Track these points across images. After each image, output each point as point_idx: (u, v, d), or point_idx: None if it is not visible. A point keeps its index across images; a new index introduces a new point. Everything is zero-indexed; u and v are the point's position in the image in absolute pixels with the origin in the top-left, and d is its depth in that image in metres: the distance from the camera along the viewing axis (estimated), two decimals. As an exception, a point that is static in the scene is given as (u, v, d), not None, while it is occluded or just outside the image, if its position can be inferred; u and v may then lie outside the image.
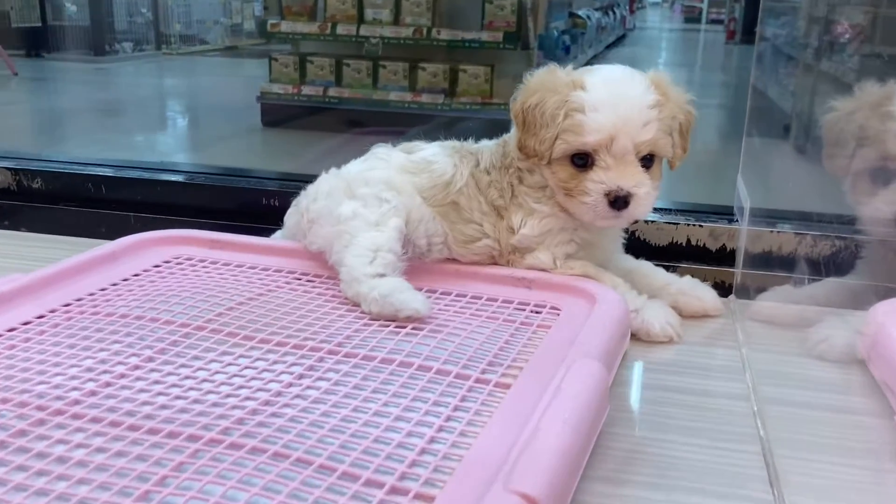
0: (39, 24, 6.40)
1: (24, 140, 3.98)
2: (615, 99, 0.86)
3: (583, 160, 0.88)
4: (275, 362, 0.74)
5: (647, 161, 0.89)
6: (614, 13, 7.75)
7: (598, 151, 0.87)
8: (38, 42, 6.39)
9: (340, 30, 4.86)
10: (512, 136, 0.95)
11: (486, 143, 1.00)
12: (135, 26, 6.90)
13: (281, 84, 4.38)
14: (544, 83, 0.90)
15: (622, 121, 0.85)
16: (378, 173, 0.96)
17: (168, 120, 4.90)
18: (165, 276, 0.93)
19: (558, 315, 0.87)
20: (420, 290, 0.90)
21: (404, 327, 0.82)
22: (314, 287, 0.94)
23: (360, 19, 4.87)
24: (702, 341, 0.89)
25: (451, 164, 0.96)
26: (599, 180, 0.87)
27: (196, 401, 0.63)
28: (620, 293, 0.89)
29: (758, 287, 0.97)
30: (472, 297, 0.91)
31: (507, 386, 0.70)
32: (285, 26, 5.06)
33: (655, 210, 1.12)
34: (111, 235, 1.02)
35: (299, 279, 0.96)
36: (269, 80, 4.42)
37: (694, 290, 0.99)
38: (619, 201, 0.86)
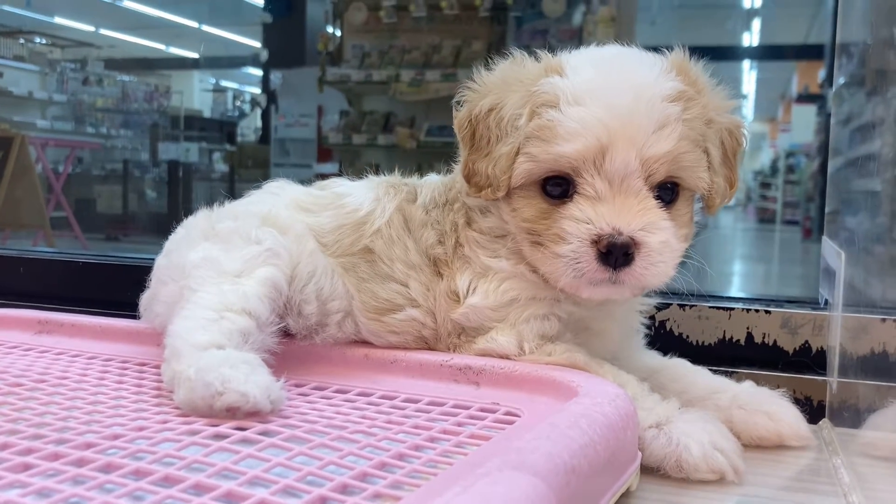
0: (121, 212, 6.73)
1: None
2: (609, 85, 0.53)
3: (560, 187, 0.54)
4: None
5: (667, 192, 0.55)
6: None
7: (582, 170, 0.53)
8: (117, 226, 6.70)
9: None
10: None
11: (432, 178, 0.67)
12: (212, 211, 7.25)
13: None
14: (505, 78, 0.58)
15: (620, 119, 0.52)
16: (257, 207, 0.64)
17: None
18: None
19: (513, 423, 0.49)
20: (301, 386, 0.55)
21: (217, 425, 0.46)
22: (139, 376, 0.59)
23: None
24: (781, 484, 0.50)
25: (369, 197, 0.64)
26: (584, 217, 0.52)
27: None
28: (631, 395, 0.51)
29: (866, 406, 0.63)
30: (381, 397, 0.55)
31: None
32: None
33: (697, 294, 0.75)
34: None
35: (125, 367, 0.62)
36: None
37: (759, 401, 0.59)
38: (615, 253, 0.51)
